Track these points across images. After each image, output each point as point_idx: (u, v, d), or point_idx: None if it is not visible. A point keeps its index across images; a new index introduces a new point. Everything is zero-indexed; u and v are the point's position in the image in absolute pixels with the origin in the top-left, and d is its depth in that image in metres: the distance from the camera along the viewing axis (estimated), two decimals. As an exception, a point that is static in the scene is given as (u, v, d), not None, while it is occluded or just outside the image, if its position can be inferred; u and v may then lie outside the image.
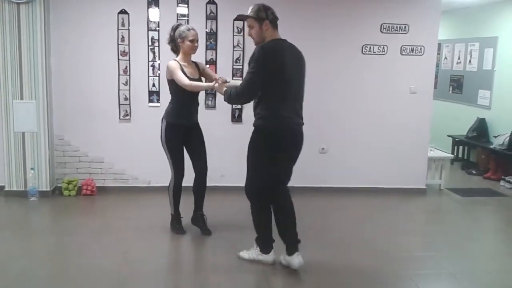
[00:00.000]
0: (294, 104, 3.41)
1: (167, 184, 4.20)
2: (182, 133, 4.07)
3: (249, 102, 3.48)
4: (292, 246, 3.52)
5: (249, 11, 3.39)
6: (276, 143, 3.36)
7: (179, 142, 4.09)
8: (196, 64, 4.14)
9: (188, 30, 3.95)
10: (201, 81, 4.09)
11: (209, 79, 4.13)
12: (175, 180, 4.14)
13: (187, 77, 3.89)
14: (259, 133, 3.41)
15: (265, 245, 3.62)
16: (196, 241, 4.13)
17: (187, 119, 4.07)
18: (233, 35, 5.32)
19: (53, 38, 5.12)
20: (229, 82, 3.73)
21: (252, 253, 3.67)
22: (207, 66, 4.92)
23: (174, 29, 4.02)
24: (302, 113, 3.49)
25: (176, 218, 4.27)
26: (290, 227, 3.54)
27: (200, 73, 4.12)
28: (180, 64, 3.94)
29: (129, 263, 3.61)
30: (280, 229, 3.57)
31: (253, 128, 3.42)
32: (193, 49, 4.00)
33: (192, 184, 4.21)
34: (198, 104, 4.19)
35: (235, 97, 3.44)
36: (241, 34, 5.29)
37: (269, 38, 3.36)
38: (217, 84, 3.67)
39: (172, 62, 3.95)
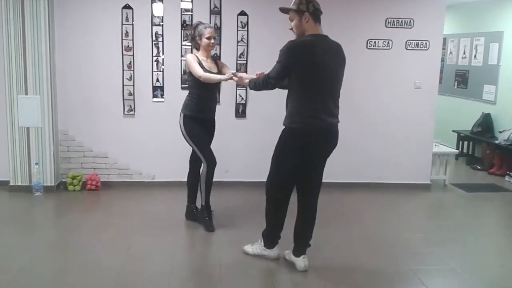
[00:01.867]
0: (327, 102, 3.23)
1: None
2: (199, 125, 4.11)
3: (272, 89, 3.42)
4: (300, 248, 3.49)
5: (291, 3, 3.24)
6: (304, 144, 3.23)
7: (200, 131, 4.12)
8: (215, 61, 4.23)
9: (205, 28, 4.04)
10: None
11: None
12: (207, 169, 4.10)
13: (205, 70, 3.96)
14: (287, 133, 3.29)
15: (270, 240, 3.60)
16: (200, 236, 4.14)
17: (203, 113, 4.12)
18: (237, 30, 5.29)
19: (57, 33, 5.12)
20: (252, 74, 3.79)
21: (256, 247, 3.67)
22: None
23: (194, 27, 4.11)
24: (337, 111, 3.33)
25: (207, 210, 4.22)
26: (307, 230, 3.47)
27: (218, 69, 4.16)
28: (198, 58, 4.02)
29: (132, 259, 3.61)
30: (297, 228, 3.49)
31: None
32: (210, 45, 4.07)
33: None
34: (216, 100, 4.26)
35: (262, 84, 3.39)
36: (245, 29, 5.27)
37: (309, 32, 3.21)
38: (236, 78, 3.73)
39: (189, 55, 4.08)
